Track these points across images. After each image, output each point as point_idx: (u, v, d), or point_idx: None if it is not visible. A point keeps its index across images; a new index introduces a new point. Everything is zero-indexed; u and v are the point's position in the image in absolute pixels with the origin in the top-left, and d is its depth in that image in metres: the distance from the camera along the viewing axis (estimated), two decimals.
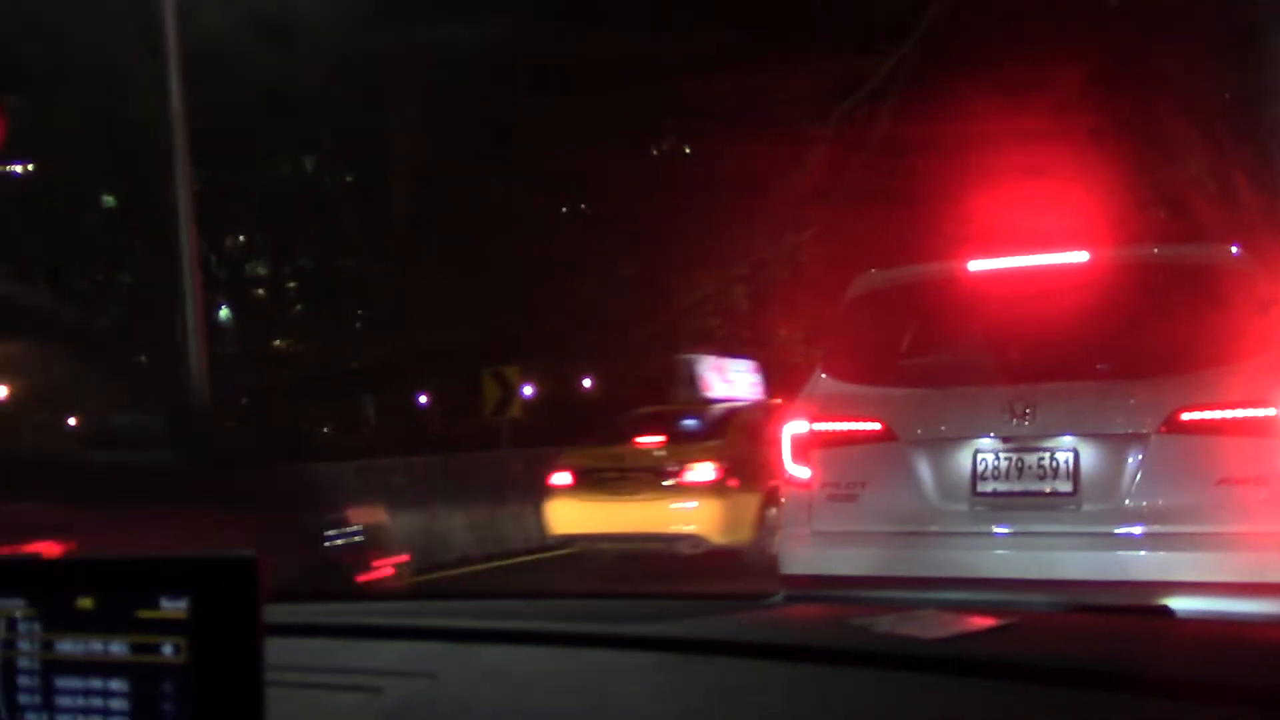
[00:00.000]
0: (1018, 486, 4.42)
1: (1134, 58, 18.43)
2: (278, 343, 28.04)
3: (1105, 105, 17.40)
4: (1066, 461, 4.36)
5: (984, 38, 17.35)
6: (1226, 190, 18.45)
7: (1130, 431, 4.31)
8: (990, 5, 17.67)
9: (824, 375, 4.97)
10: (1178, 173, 19.46)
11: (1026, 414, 4.41)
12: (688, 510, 10.26)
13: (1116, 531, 4.30)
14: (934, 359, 4.99)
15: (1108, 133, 16.99)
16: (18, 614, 1.01)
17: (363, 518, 4.31)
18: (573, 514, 10.70)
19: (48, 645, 1.00)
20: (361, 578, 4.14)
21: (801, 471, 4.82)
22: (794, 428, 4.86)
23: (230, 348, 25.72)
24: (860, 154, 18.86)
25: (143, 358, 28.06)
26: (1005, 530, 4.49)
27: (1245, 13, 19.94)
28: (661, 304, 19.82)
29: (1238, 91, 20.06)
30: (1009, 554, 4.46)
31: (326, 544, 4.01)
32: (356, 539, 4.15)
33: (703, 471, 10.29)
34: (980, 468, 4.47)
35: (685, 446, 10.65)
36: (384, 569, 4.22)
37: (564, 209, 23.78)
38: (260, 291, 28.67)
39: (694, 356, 12.94)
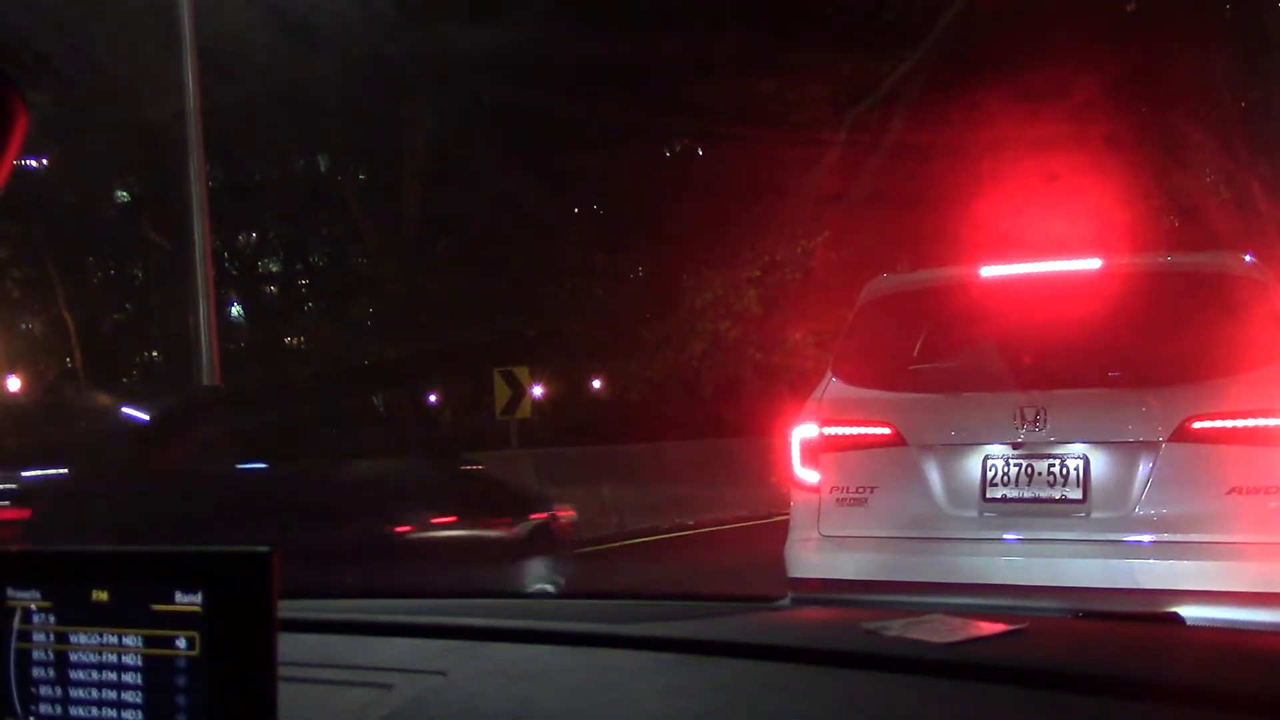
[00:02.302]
0: (1027, 493, 4.41)
1: (1150, 65, 18.37)
2: (289, 340, 28.11)
3: (1120, 112, 17.33)
4: (1077, 469, 4.35)
5: (999, 43, 17.31)
6: (1241, 199, 18.39)
7: (1141, 439, 4.30)
8: (1005, 11, 17.62)
9: (834, 379, 4.96)
10: (1192, 181, 19.40)
11: (1037, 420, 4.39)
12: None
13: (1126, 539, 4.29)
14: (945, 364, 4.98)
15: (1122, 140, 16.93)
16: (33, 606, 1.02)
17: None
18: None
19: (62, 637, 1.01)
20: None
21: (810, 475, 4.81)
22: (803, 431, 4.85)
23: (242, 344, 25.81)
24: (874, 158, 18.82)
25: (154, 353, 28.19)
26: (1014, 537, 4.47)
27: (1263, 21, 19.88)
28: (672, 306, 19.80)
29: (1254, 100, 20.00)
30: (1018, 560, 4.44)
31: None
32: None
33: None
34: (990, 474, 4.46)
35: None
36: None
37: (576, 209, 23.78)
38: (272, 288, 28.76)
39: None
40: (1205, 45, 18.77)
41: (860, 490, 4.69)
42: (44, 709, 1.01)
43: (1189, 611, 1.75)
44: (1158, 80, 18.44)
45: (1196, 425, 4.22)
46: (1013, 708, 1.19)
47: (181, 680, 0.96)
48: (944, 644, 1.35)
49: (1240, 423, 4.20)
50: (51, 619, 1.01)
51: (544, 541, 6.97)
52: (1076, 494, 4.33)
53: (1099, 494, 4.30)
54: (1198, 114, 18.58)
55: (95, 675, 1.00)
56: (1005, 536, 4.49)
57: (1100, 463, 4.32)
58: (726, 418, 18.94)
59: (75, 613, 1.01)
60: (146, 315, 26.64)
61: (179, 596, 0.96)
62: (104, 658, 0.99)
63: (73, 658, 1.00)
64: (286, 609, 0.95)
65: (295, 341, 28.09)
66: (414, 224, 22.48)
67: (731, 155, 19.32)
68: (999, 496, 4.45)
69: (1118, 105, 17.15)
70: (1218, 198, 18.96)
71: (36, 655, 1.01)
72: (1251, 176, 18.25)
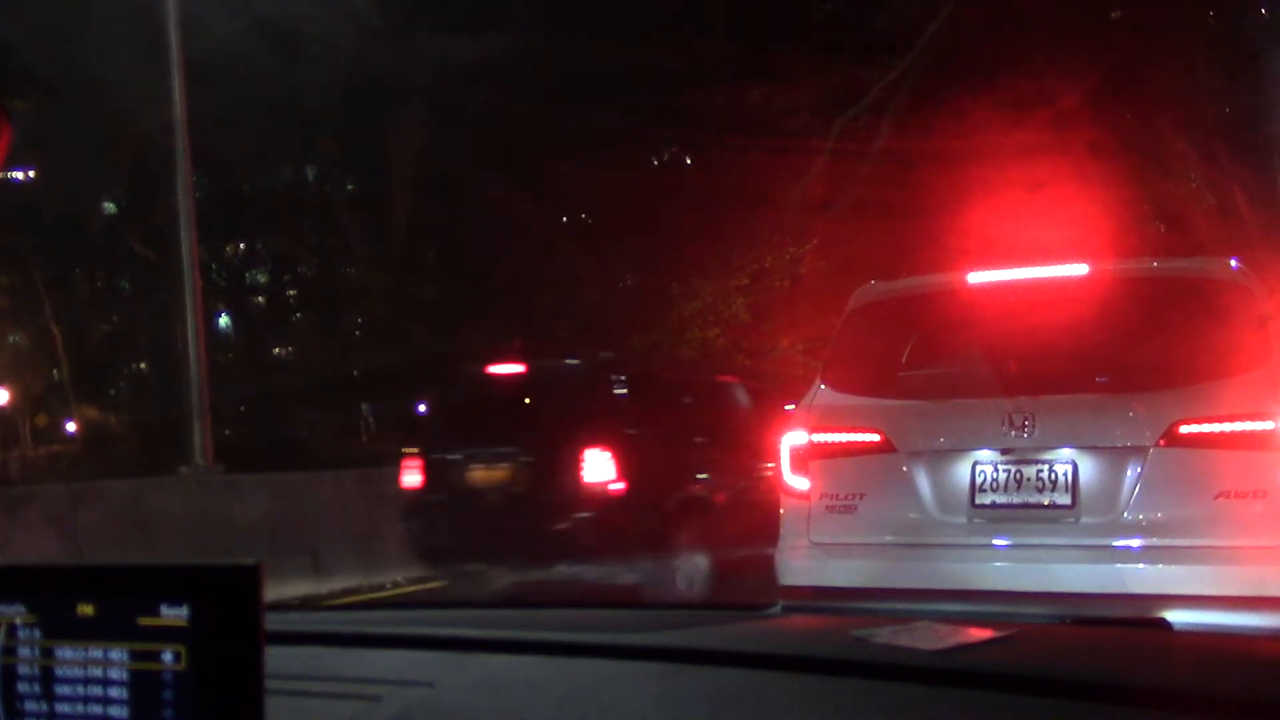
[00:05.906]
0: (1016, 499, 4.42)
1: (1134, 73, 18.47)
2: (277, 350, 28.03)
3: (1105, 120, 17.42)
4: (1065, 474, 4.36)
5: (985, 52, 17.38)
6: (1225, 205, 18.49)
7: (1129, 444, 4.31)
8: (992, 20, 17.70)
9: (823, 386, 4.97)
10: (1177, 188, 19.50)
11: (1025, 426, 4.41)
12: None
13: (1115, 544, 4.30)
14: (933, 371, 4.99)
15: (1107, 147, 17.01)
16: (18, 620, 1.01)
17: None
18: None
19: (48, 652, 1.00)
20: None
21: (800, 482, 4.81)
22: (793, 438, 4.86)
23: (230, 355, 25.73)
24: (862, 166, 18.87)
25: (142, 364, 28.10)
26: (1004, 542, 4.48)
27: (1245, 30, 20.00)
28: (661, 314, 19.81)
29: (1237, 107, 20.11)
30: (1007, 566, 4.45)
31: None
32: None
33: None
34: (979, 480, 4.47)
35: None
36: None
37: (564, 218, 23.79)
38: (260, 299, 28.67)
39: None
40: (1189, 53, 18.87)
41: (850, 497, 4.69)
42: None
43: (1177, 616, 1.76)
44: (1142, 87, 18.54)
45: (1184, 430, 4.23)
46: (1001, 714, 1.19)
47: (168, 694, 0.96)
48: (933, 651, 1.35)
49: (1227, 427, 4.22)
50: (37, 633, 1.01)
51: None
52: (1065, 499, 4.34)
53: (1088, 499, 4.31)
54: (1182, 121, 18.68)
55: (81, 689, 0.99)
56: (994, 542, 4.50)
57: (1089, 468, 4.33)
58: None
59: (61, 626, 1.00)
60: (134, 327, 26.54)
61: (165, 610, 0.96)
62: (90, 672, 0.99)
63: (58, 672, 1.00)
64: (274, 621, 0.95)
65: (284, 352, 28.01)
66: (402, 233, 22.46)
67: (720, 163, 19.35)
68: (988, 502, 4.46)
69: (1102, 113, 17.23)
70: (1202, 204, 19.06)
71: (22, 670, 1.01)
72: (1235, 183, 18.35)
